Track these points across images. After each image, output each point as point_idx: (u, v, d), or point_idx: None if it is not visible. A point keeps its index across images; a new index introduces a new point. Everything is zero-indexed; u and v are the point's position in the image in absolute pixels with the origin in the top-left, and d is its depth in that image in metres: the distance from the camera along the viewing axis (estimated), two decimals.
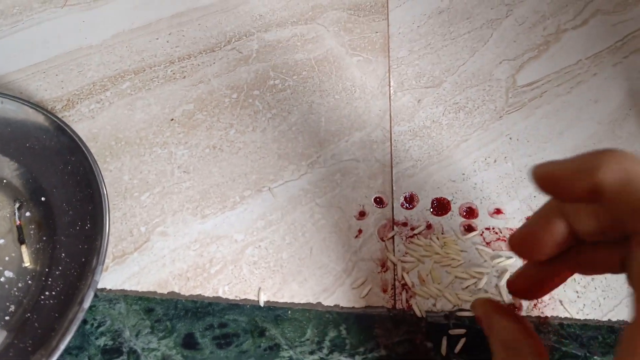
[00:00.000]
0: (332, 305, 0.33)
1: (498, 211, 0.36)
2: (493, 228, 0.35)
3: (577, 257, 0.21)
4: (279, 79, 0.43)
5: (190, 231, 0.36)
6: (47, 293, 0.32)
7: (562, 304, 0.32)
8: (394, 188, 0.37)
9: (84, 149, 0.35)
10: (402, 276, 0.33)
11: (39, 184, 0.36)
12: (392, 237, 0.35)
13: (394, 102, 0.41)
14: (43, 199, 0.36)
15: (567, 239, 0.20)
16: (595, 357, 0.30)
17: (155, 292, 0.34)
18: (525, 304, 0.32)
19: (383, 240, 0.35)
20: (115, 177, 0.38)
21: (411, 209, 0.36)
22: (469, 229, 0.35)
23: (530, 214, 0.35)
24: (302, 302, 0.33)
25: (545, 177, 0.19)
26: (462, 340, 0.31)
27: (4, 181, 0.37)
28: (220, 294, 0.33)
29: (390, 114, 0.40)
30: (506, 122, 0.40)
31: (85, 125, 0.41)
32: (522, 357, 0.21)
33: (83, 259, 0.32)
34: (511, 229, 0.34)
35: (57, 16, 0.47)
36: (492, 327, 0.23)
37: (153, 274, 0.34)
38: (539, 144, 0.38)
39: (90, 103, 0.42)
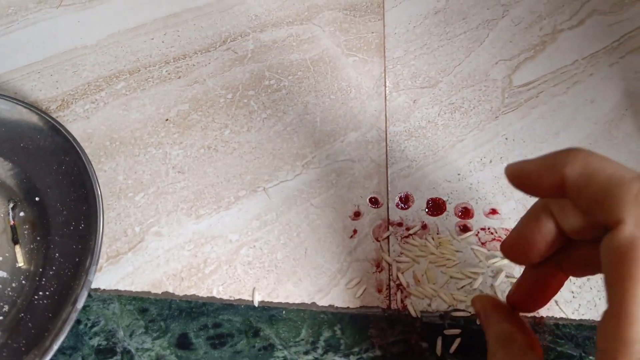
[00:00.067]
0: (326, 305, 0.33)
1: (493, 211, 0.36)
2: (488, 228, 0.35)
3: (569, 257, 0.21)
4: (274, 79, 0.43)
5: (184, 231, 0.36)
6: (40, 293, 0.32)
7: (557, 304, 0.32)
8: (389, 188, 0.37)
9: (78, 149, 0.35)
10: (397, 276, 0.33)
11: (33, 184, 0.36)
12: (387, 237, 0.35)
13: (390, 103, 0.41)
14: (37, 199, 0.36)
15: (557, 238, 0.21)
16: (590, 357, 0.30)
17: (149, 292, 0.34)
18: None
19: (378, 241, 0.35)
20: (109, 177, 0.38)
21: (406, 209, 0.36)
22: (465, 229, 0.35)
23: None
24: (296, 302, 0.33)
25: (517, 173, 0.21)
26: (457, 341, 0.31)
27: None
28: (215, 294, 0.33)
29: (385, 114, 0.40)
30: (502, 123, 0.39)
31: (80, 126, 0.41)
32: (514, 350, 0.22)
33: (77, 259, 0.32)
34: (507, 229, 0.34)
35: (52, 16, 0.47)
36: (488, 321, 0.24)
37: (147, 274, 0.34)
38: (535, 144, 0.38)
39: (85, 103, 0.42)
